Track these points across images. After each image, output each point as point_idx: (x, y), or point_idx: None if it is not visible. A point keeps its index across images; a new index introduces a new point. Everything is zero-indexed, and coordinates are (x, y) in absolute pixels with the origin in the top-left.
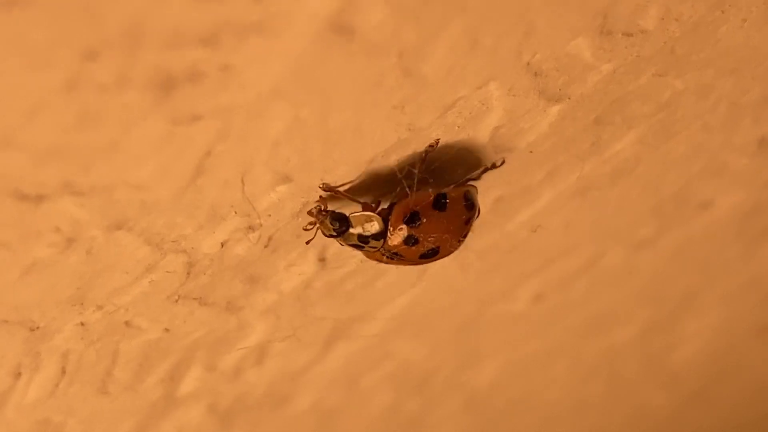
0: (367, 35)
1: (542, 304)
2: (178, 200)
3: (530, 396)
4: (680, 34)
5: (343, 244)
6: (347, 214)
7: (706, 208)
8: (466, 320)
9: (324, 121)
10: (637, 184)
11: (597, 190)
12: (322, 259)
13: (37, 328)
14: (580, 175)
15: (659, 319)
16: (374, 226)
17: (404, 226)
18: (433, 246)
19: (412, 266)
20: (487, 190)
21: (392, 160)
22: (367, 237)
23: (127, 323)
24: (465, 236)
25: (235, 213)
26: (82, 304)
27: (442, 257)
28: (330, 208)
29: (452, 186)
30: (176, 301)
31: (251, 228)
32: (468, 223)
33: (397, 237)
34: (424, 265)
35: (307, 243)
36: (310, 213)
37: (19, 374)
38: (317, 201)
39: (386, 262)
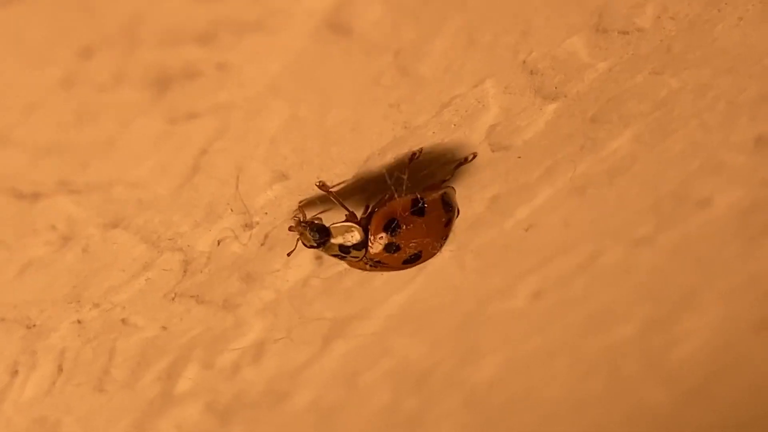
0: (365, 33)
1: (541, 301)
2: (175, 198)
3: (529, 393)
4: (676, 33)
5: (325, 254)
6: (327, 225)
7: (704, 206)
8: (464, 318)
9: (321, 119)
10: (635, 182)
11: (595, 188)
12: (319, 257)
13: (34, 326)
14: (577, 174)
15: (658, 316)
16: (355, 236)
17: (384, 234)
18: (415, 251)
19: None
20: (483, 188)
21: (388, 158)
22: (348, 247)
23: (123, 321)
24: (446, 238)
25: (232, 211)
26: (79, 302)
27: (425, 260)
28: (314, 213)
29: (429, 190)
30: (173, 299)
31: (248, 226)
32: (448, 225)
33: (378, 245)
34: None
35: (288, 255)
36: (290, 228)
37: (16, 372)
38: (295, 211)
39: (370, 270)
